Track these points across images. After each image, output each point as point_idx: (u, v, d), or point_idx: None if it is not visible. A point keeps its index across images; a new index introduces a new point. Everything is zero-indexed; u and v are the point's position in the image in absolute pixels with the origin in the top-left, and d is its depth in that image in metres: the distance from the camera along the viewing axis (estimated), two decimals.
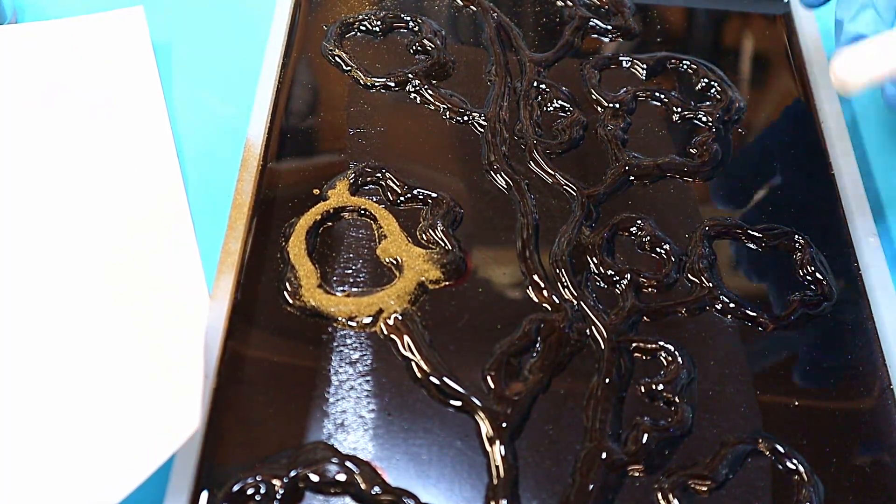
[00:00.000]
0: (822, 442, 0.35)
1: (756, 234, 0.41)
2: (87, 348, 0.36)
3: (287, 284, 0.38)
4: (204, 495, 0.32)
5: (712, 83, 0.47)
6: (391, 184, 0.41)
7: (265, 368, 0.36)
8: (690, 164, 0.43)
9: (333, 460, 0.33)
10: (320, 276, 0.38)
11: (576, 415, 0.35)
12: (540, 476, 0.33)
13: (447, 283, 0.38)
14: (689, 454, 0.34)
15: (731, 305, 0.38)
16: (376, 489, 0.32)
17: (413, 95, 0.45)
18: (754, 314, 0.38)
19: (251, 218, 0.40)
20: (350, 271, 0.39)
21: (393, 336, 0.37)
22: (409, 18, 0.49)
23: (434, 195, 0.41)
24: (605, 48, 0.49)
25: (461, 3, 0.51)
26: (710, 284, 0.39)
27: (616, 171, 0.43)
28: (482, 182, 0.42)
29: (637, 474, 0.33)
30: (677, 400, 0.35)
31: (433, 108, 0.45)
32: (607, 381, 0.36)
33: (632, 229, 0.41)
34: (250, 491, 0.32)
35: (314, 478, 0.32)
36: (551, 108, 0.46)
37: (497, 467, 0.33)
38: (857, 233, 0.41)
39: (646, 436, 0.34)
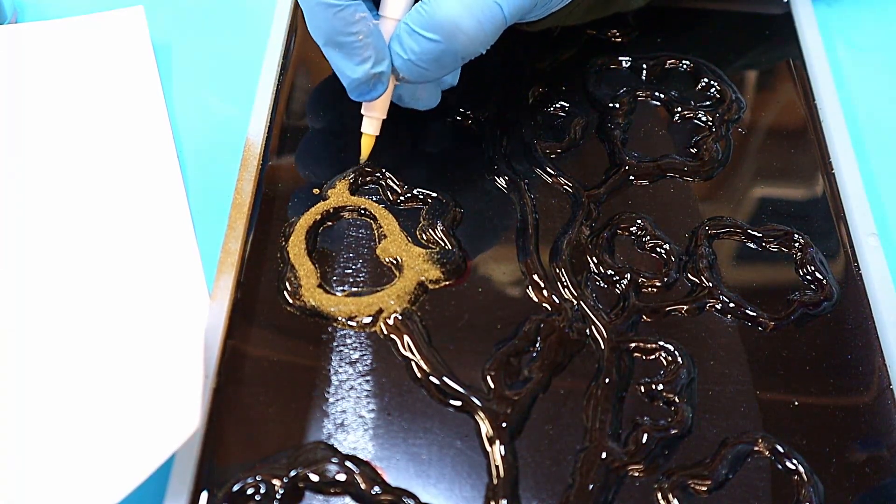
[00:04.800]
0: (821, 442, 0.35)
1: (756, 234, 0.41)
2: (87, 348, 0.36)
3: (287, 284, 0.38)
4: (204, 495, 0.32)
5: (712, 83, 0.47)
6: (391, 184, 0.41)
7: (265, 368, 0.36)
8: (690, 164, 0.43)
9: (333, 460, 0.33)
10: (320, 275, 0.38)
11: (576, 415, 0.35)
12: (540, 476, 0.33)
13: (447, 282, 0.38)
14: (689, 454, 0.34)
15: (731, 305, 0.38)
16: (376, 489, 0.32)
17: None
18: (754, 314, 0.38)
19: (251, 218, 0.40)
20: (350, 271, 0.39)
21: (393, 336, 0.37)
22: None
23: (434, 195, 0.41)
24: (604, 49, 0.49)
25: None
26: (710, 284, 0.39)
27: (616, 171, 0.43)
28: (482, 182, 0.42)
29: (637, 474, 0.33)
30: (677, 400, 0.35)
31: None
32: (607, 381, 0.36)
33: (632, 229, 0.41)
34: (250, 491, 0.32)
35: (314, 478, 0.33)
36: (551, 109, 0.46)
37: (497, 467, 0.33)
38: (857, 233, 0.41)
39: (646, 436, 0.34)
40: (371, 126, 0.40)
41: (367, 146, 0.41)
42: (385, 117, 0.40)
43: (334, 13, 0.36)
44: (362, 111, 0.40)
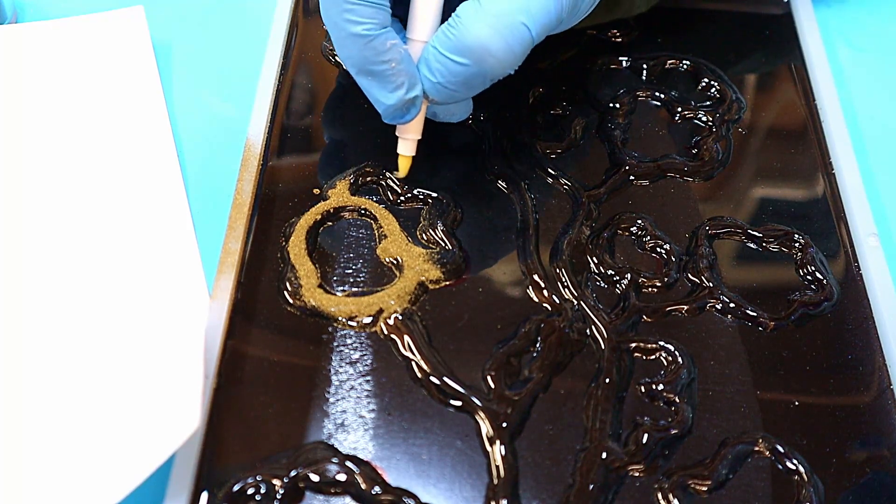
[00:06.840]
0: (821, 442, 0.35)
1: (756, 234, 0.41)
2: (87, 348, 0.36)
3: (287, 284, 0.38)
4: (204, 495, 0.32)
5: (712, 83, 0.47)
6: (391, 184, 0.41)
7: (265, 368, 0.36)
8: (690, 164, 0.43)
9: (333, 460, 0.33)
10: (320, 275, 0.38)
11: (576, 415, 0.35)
12: (540, 476, 0.33)
13: (447, 282, 0.38)
14: (689, 454, 0.34)
15: (731, 305, 0.38)
16: (376, 489, 0.32)
17: None
18: (754, 314, 0.38)
19: (251, 218, 0.40)
20: (350, 271, 0.39)
21: (393, 336, 0.37)
22: None
23: (434, 195, 0.41)
24: (604, 49, 0.49)
25: None
26: (711, 284, 0.39)
27: (616, 171, 0.43)
28: (482, 182, 0.42)
29: (637, 474, 0.33)
30: (677, 400, 0.35)
31: None
32: (607, 381, 0.36)
33: (632, 229, 0.41)
34: (250, 491, 0.32)
35: (314, 478, 0.33)
36: (551, 109, 0.46)
37: (497, 467, 0.33)
38: (857, 233, 0.41)
39: (646, 436, 0.34)
40: (406, 147, 0.40)
41: (404, 166, 0.41)
42: (420, 137, 0.40)
43: (365, 43, 0.36)
44: (397, 133, 0.40)
